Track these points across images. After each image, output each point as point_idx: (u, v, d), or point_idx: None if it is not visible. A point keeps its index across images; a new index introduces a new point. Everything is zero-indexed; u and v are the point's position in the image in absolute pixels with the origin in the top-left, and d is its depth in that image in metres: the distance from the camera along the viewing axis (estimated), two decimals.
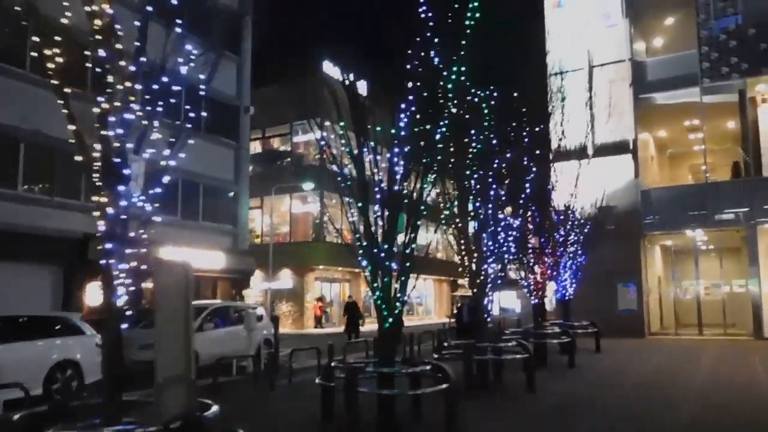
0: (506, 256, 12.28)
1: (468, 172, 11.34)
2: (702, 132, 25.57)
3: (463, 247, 11.91)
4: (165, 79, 5.71)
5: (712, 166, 25.59)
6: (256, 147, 36.82)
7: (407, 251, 8.25)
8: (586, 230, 19.87)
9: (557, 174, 19.35)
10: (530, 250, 16.05)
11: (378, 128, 8.35)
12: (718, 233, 24.66)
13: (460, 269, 12.11)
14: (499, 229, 12.00)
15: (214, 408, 4.68)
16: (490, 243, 11.88)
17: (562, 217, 19.12)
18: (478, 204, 11.84)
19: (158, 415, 3.99)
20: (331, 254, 34.96)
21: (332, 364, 8.16)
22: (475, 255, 11.85)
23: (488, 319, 11.99)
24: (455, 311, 16.25)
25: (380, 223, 8.35)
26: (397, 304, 8.10)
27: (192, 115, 7.56)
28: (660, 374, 14.19)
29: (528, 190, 12.62)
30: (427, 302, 50.46)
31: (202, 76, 6.70)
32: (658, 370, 15.09)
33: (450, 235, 12.10)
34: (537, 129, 13.39)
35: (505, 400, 10.90)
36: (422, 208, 8.40)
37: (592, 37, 25.83)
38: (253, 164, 35.96)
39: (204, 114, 8.61)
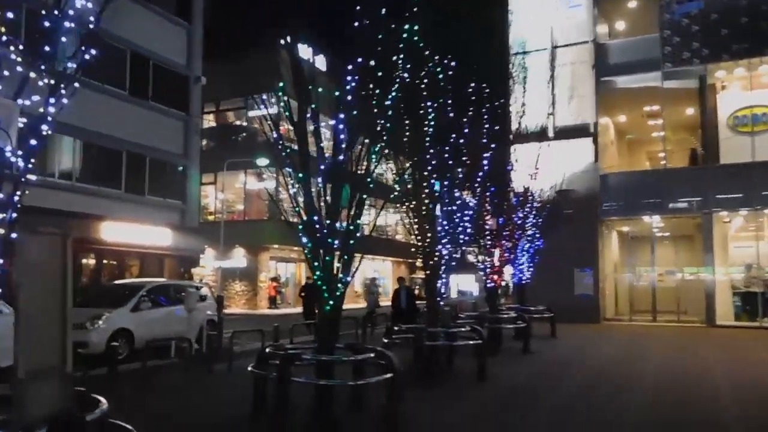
0: (462, 236, 11.69)
1: (423, 146, 10.66)
2: (661, 118, 25.48)
3: (416, 227, 11.26)
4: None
5: (670, 154, 25.55)
6: (210, 121, 35.49)
7: (351, 228, 7.53)
8: (544, 213, 19.50)
9: (517, 155, 18.91)
10: (487, 232, 15.52)
11: (320, 89, 7.55)
12: (674, 220, 24.67)
13: (413, 250, 11.47)
14: (455, 208, 11.37)
15: (102, 406, 3.90)
16: (444, 223, 11.26)
17: (520, 198, 18.70)
18: (433, 181, 11.18)
19: (18, 416, 3.22)
20: (287, 233, 33.79)
21: (267, 349, 7.42)
22: (429, 235, 11.23)
23: (441, 303, 11.40)
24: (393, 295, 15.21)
25: (323, 196, 7.62)
26: (339, 285, 7.39)
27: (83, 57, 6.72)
28: (614, 363, 13.89)
29: (486, 168, 12.01)
30: (386, 284, 49.98)
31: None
32: (613, 357, 14.81)
33: (403, 213, 11.44)
34: (497, 103, 12.78)
35: (454, 389, 10.36)
36: (369, 181, 7.68)
37: (555, 18, 25.38)
38: (207, 138, 34.69)
39: (138, 78, 7.65)
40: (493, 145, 12.25)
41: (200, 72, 25.80)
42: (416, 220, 11.20)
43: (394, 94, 7.85)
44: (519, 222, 17.76)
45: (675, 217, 24.09)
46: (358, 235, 7.59)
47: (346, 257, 7.47)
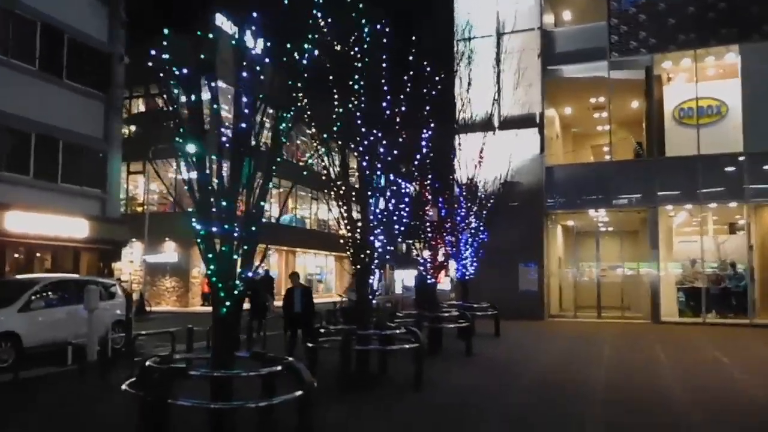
0: (397, 227, 10.45)
1: (351, 122, 9.36)
2: (607, 111, 24.93)
3: (344, 215, 9.96)
4: None
5: (615, 148, 25.01)
6: (139, 105, 33.28)
7: (253, 211, 6.18)
8: (488, 205, 18.52)
9: (461, 145, 17.87)
10: (428, 224, 14.34)
11: (211, 36, 6.12)
12: (619, 214, 24.19)
13: (341, 241, 10.17)
14: (389, 194, 10.12)
15: None
16: (377, 211, 9.99)
17: (464, 191, 17.66)
18: (363, 163, 9.90)
19: None
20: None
21: (148, 363, 5.97)
22: (360, 225, 9.94)
23: (373, 301, 10.14)
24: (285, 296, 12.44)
25: (222, 174, 6.24)
26: (237, 282, 6.02)
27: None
28: (562, 363, 12.97)
29: (424, 150, 10.78)
30: (328, 279, 48.64)
31: None
32: (560, 358, 13.91)
33: (330, 200, 10.13)
34: (438, 80, 11.58)
35: (387, 399, 9.12)
36: (276, 156, 6.33)
37: (501, 3, 24.46)
38: (136, 124, 32.50)
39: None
40: (432, 124, 11.04)
41: (123, 50, 23.75)
42: (344, 207, 9.89)
43: (309, 53, 6.50)
44: (462, 214, 16.69)
45: (620, 210, 23.59)
46: (262, 220, 6.23)
47: (246, 247, 6.10)
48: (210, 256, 6.08)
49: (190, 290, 31.29)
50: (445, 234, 14.73)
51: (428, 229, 14.22)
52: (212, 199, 6.16)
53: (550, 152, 24.91)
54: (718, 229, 23.39)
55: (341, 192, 9.99)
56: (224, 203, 6.09)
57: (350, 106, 9.37)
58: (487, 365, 12.73)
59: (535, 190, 23.57)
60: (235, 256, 6.03)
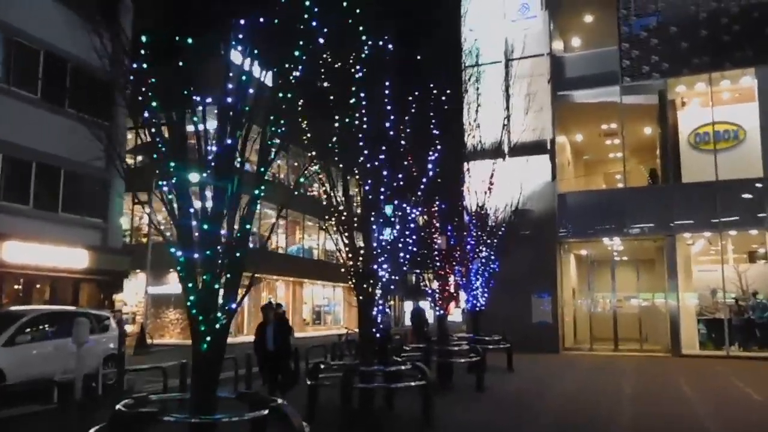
0: (403, 256, 9.80)
1: (352, 143, 8.81)
2: (619, 137, 24.35)
3: (346, 243, 9.34)
4: None
5: (628, 175, 24.32)
6: (145, 135, 32.99)
7: (238, 235, 5.58)
8: (500, 234, 17.85)
9: (470, 171, 17.30)
10: (436, 253, 13.67)
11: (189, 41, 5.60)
12: (634, 243, 23.38)
13: (342, 270, 9.53)
14: (394, 220, 9.50)
15: None
16: (381, 238, 9.37)
17: (474, 219, 17.01)
18: (366, 188, 9.31)
19: None
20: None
21: (120, 405, 5.30)
22: (363, 253, 9.32)
23: (377, 335, 9.44)
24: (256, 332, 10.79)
25: (206, 195, 5.66)
26: (219, 315, 5.39)
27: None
28: (579, 401, 12.13)
29: (431, 174, 10.20)
30: (336, 311, 47.75)
31: None
32: (578, 395, 13.07)
33: (331, 227, 9.53)
34: (444, 101, 11.02)
35: None
36: (263, 173, 5.75)
37: (510, 29, 24.14)
38: (142, 153, 32.21)
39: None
40: (438, 146, 10.46)
41: (127, 78, 23.50)
42: (346, 234, 9.28)
43: (301, 63, 5.96)
44: (472, 242, 16.02)
45: (636, 239, 22.79)
46: (248, 246, 5.63)
47: (230, 276, 5.48)
48: (190, 285, 5.47)
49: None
50: (454, 263, 14.03)
51: (436, 258, 13.55)
52: (193, 223, 5.57)
53: (561, 179, 24.30)
54: (738, 258, 22.53)
55: (342, 218, 9.39)
56: (205, 227, 5.49)
57: (350, 124, 8.82)
58: (500, 401, 11.94)
59: (547, 218, 22.88)
60: (217, 286, 5.40)
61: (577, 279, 27.15)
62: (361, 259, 9.26)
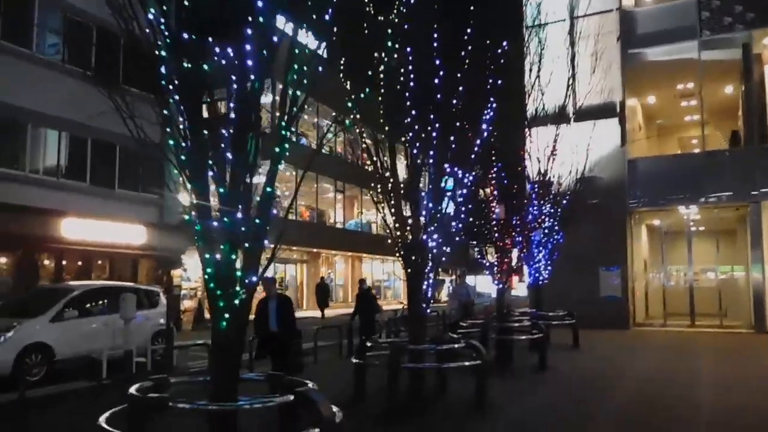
0: (456, 224, 8.96)
1: (398, 101, 8.00)
2: (697, 97, 22.50)
3: (393, 212, 8.60)
4: None
5: (707, 138, 22.48)
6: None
7: (262, 201, 4.92)
8: (564, 202, 16.70)
9: (532, 137, 16.18)
10: (494, 222, 12.73)
11: None
12: (713, 212, 21.66)
13: (389, 241, 8.80)
14: (445, 186, 8.66)
15: None
16: (430, 206, 8.57)
17: (536, 187, 15.91)
18: (414, 152, 8.51)
19: None
20: (285, 231, 31.49)
21: (134, 389, 4.76)
22: (410, 222, 8.55)
23: (427, 310, 8.70)
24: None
25: (227, 156, 5.01)
26: (239, 290, 4.76)
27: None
28: (654, 382, 11.05)
29: (486, 134, 9.23)
30: (396, 286, 47.29)
31: None
32: (652, 375, 11.99)
33: (377, 196, 8.80)
34: (500, 53, 9.96)
35: (443, 425, 7.67)
36: (286, 133, 5.05)
37: None
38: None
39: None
40: (494, 105, 9.46)
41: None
42: (393, 202, 8.53)
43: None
44: (535, 212, 14.97)
45: (715, 207, 21.07)
46: (270, 212, 4.96)
47: (250, 246, 4.83)
48: (207, 256, 4.86)
49: (255, 297, 30.56)
50: (513, 233, 13.05)
51: (494, 229, 12.62)
52: (211, 186, 4.95)
53: (631, 147, 22.70)
54: None
55: (389, 186, 8.63)
56: (224, 191, 4.84)
57: (394, 81, 8.01)
58: (564, 383, 11.03)
59: (617, 186, 21.43)
60: (235, 257, 4.76)
61: (649, 251, 25.57)
62: (408, 229, 8.50)
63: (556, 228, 16.33)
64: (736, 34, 20.11)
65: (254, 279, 4.86)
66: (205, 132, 4.95)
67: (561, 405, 9.06)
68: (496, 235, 12.61)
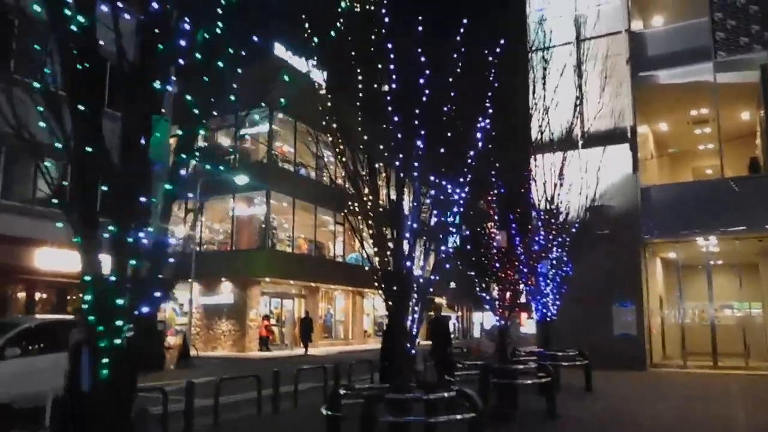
0: (444, 246, 7.63)
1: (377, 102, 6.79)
2: (711, 123, 21.28)
3: (371, 233, 7.30)
4: None
5: (723, 166, 21.14)
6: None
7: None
8: (573, 231, 15.36)
9: (537, 162, 14.98)
10: (495, 251, 11.35)
11: None
12: (734, 243, 20.19)
13: (367, 269, 7.48)
14: (431, 200, 7.36)
15: None
16: (414, 226, 7.26)
17: (542, 214, 14.60)
18: (397, 163, 7.25)
19: None
20: (281, 265, 30.24)
21: None
22: (391, 246, 7.24)
23: (412, 350, 7.31)
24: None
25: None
26: (122, 323, 3.45)
27: None
28: None
29: (479, 144, 7.91)
30: None
31: None
32: (676, 424, 10.47)
33: (352, 216, 7.53)
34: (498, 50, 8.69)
35: None
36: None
37: (581, 4, 21.51)
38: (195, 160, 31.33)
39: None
40: (490, 111, 8.19)
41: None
42: (371, 221, 7.23)
43: None
44: (541, 241, 13.62)
45: (736, 237, 19.62)
46: (168, 221, 3.70)
47: (138, 262, 3.55)
48: (87, 277, 3.56)
49: (247, 334, 29.18)
50: (516, 263, 11.66)
51: (495, 258, 11.24)
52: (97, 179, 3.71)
53: (644, 173, 21.41)
54: None
55: (368, 204, 7.35)
56: (107, 188, 3.59)
57: (371, 80, 6.80)
58: None
59: (629, 216, 20.05)
60: (114, 278, 3.46)
61: (664, 286, 24.04)
62: (389, 254, 7.18)
63: (565, 259, 14.94)
64: (753, 54, 18.98)
65: (146, 309, 3.54)
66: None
67: None
68: (497, 265, 11.22)
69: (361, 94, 7.35)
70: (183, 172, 3.97)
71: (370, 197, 7.28)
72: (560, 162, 15.43)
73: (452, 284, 51.12)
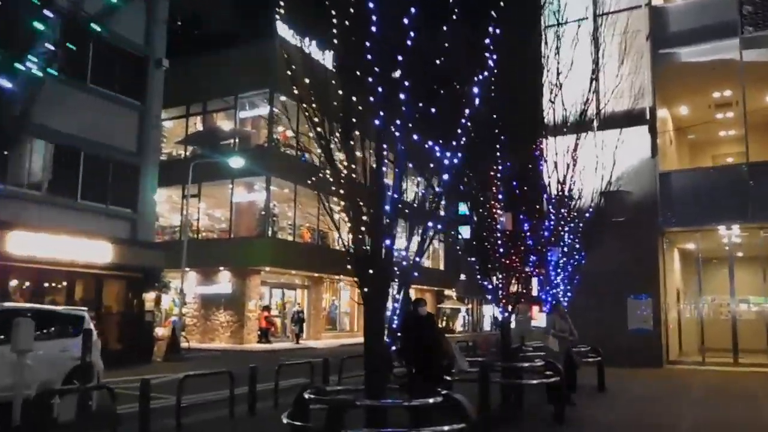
0: (431, 225, 6.44)
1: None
2: (735, 106, 19.85)
3: (346, 212, 6.13)
4: None
5: (746, 151, 19.71)
6: (196, 123, 31.12)
7: None
8: (586, 218, 14.12)
9: (548, 143, 13.72)
10: (498, 234, 10.12)
11: None
12: (758, 234, 18.80)
13: (344, 250, 6.31)
14: (416, 171, 6.17)
15: None
16: (395, 197, 6.08)
17: (552, 198, 13.36)
18: (377, 122, 6.07)
19: None
20: (282, 254, 29.13)
21: None
22: (369, 222, 6.07)
23: (391, 347, 6.16)
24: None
25: None
26: None
27: None
28: None
29: (477, 102, 6.67)
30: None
31: None
32: (698, 426, 9.27)
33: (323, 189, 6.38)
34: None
35: None
36: None
37: None
38: (192, 144, 30.35)
39: None
40: (490, 63, 6.97)
41: (163, 53, 21.32)
42: (346, 196, 6.06)
43: None
44: (550, 226, 12.37)
45: (762, 227, 18.25)
46: None
47: None
48: None
49: (246, 325, 28.13)
50: (523, 249, 10.41)
51: (498, 242, 10.00)
52: None
53: (664, 159, 20.05)
54: None
55: (341, 174, 6.17)
56: None
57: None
58: None
59: (646, 203, 18.72)
60: None
61: (681, 278, 22.70)
62: (365, 230, 6.00)
63: (577, 247, 13.70)
64: None
65: None
66: None
67: None
68: (500, 250, 9.98)
69: (335, 39, 6.17)
70: None
71: (344, 163, 6.09)
72: (574, 141, 14.19)
73: (462, 276, 49.96)
